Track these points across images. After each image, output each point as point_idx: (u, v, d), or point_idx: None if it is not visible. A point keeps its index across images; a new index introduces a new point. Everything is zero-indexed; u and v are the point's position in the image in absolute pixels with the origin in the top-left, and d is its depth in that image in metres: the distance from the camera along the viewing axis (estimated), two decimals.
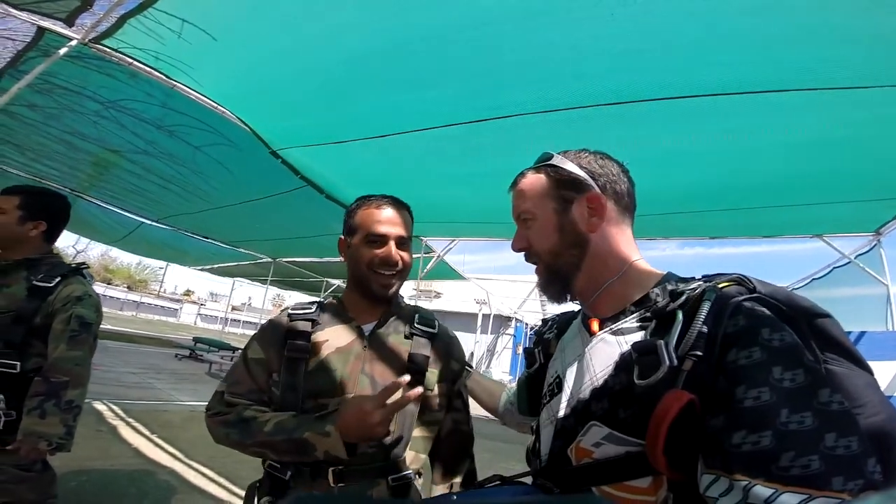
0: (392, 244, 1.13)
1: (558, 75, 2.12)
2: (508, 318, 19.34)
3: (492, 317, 17.17)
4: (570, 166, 0.83)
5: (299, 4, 1.82)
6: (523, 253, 0.87)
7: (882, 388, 0.61)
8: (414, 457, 1.10)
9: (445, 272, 8.94)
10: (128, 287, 53.25)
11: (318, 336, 1.12)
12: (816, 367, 0.57)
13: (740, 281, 0.68)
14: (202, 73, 2.38)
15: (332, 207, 4.80)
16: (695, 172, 2.97)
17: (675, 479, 0.60)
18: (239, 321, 52.29)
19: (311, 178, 4.04)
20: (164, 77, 2.42)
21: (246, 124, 2.98)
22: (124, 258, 54.77)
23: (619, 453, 0.66)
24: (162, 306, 54.36)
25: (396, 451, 1.05)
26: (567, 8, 1.68)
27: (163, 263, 16.66)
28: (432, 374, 1.14)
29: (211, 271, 14.51)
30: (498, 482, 0.80)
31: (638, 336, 0.71)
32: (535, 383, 0.93)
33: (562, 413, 0.78)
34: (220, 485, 3.56)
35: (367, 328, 1.16)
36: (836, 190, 3.23)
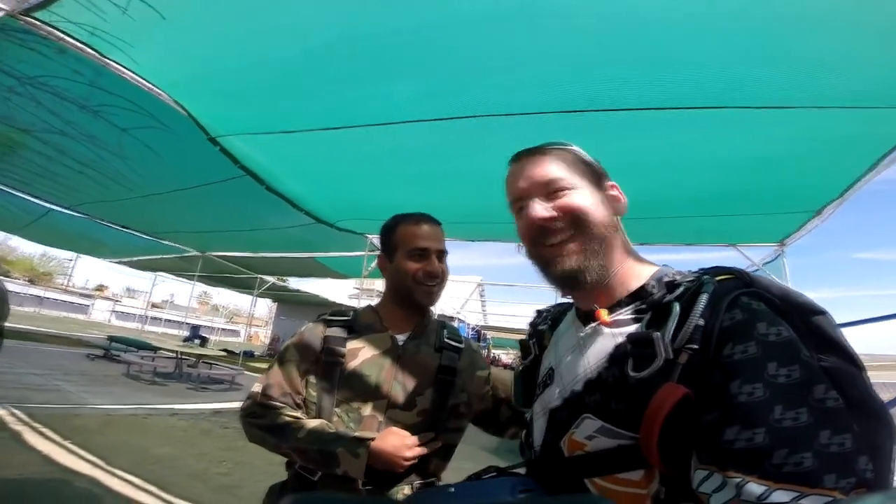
0: (434, 257, 1.22)
1: (519, 80, 2.19)
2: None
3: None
4: (587, 156, 0.83)
5: None
6: (551, 223, 0.77)
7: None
8: (437, 464, 1.17)
9: None
10: (29, 280, 47.90)
11: (355, 343, 1.19)
12: (812, 363, 0.55)
13: (738, 275, 0.67)
14: (142, 52, 2.22)
15: (272, 199, 4.60)
16: (632, 183, 3.19)
17: (667, 473, 0.59)
18: (160, 319, 48.75)
19: (252, 167, 3.84)
20: (96, 54, 2.22)
21: (184, 108, 2.80)
22: (26, 248, 49.36)
23: (611, 446, 0.65)
24: (70, 302, 49.45)
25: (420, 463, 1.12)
26: (534, 14, 1.76)
27: (72, 255, 15.16)
28: (458, 383, 1.21)
29: (129, 264, 13.41)
30: (494, 473, 0.80)
31: (632, 328, 0.70)
32: (530, 375, 0.92)
33: (554, 405, 0.77)
34: (150, 493, 3.30)
35: (401, 338, 1.23)
36: (749, 203, 3.56)
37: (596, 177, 0.82)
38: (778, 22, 1.71)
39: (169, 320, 48.71)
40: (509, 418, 1.30)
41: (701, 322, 0.61)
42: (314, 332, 1.22)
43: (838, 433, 0.49)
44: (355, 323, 1.24)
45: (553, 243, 0.77)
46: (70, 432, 4.52)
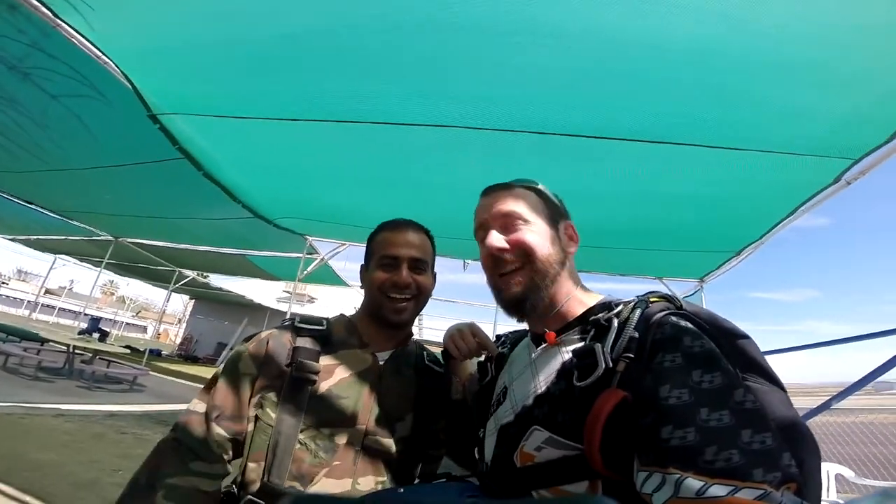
0: (404, 266, 1.08)
1: (494, 95, 2.23)
2: None
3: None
4: (552, 196, 0.92)
5: None
6: (503, 253, 0.85)
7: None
8: None
9: (328, 277, 8.61)
10: None
11: (329, 359, 1.04)
12: (731, 371, 0.62)
13: (669, 299, 0.77)
14: (102, 19, 2.05)
15: (208, 187, 4.30)
16: (577, 211, 3.35)
17: (610, 477, 0.63)
18: (54, 308, 43.65)
19: (191, 150, 3.57)
20: (50, 14, 2.03)
21: (130, 80, 2.60)
22: None
23: (557, 456, 0.68)
24: None
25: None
26: (533, 32, 1.79)
27: None
28: (438, 409, 1.11)
29: (26, 243, 11.95)
30: (444, 480, 0.81)
31: (578, 346, 0.76)
32: (486, 395, 0.95)
33: (506, 420, 0.81)
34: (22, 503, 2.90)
35: (382, 356, 1.10)
36: (677, 240, 3.86)
37: (554, 216, 0.90)
38: (727, 67, 1.84)
39: (65, 309, 43.75)
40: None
41: (636, 335, 0.69)
42: (280, 341, 1.04)
43: (759, 432, 0.55)
44: (330, 335, 1.09)
45: (503, 272, 0.85)
46: None
